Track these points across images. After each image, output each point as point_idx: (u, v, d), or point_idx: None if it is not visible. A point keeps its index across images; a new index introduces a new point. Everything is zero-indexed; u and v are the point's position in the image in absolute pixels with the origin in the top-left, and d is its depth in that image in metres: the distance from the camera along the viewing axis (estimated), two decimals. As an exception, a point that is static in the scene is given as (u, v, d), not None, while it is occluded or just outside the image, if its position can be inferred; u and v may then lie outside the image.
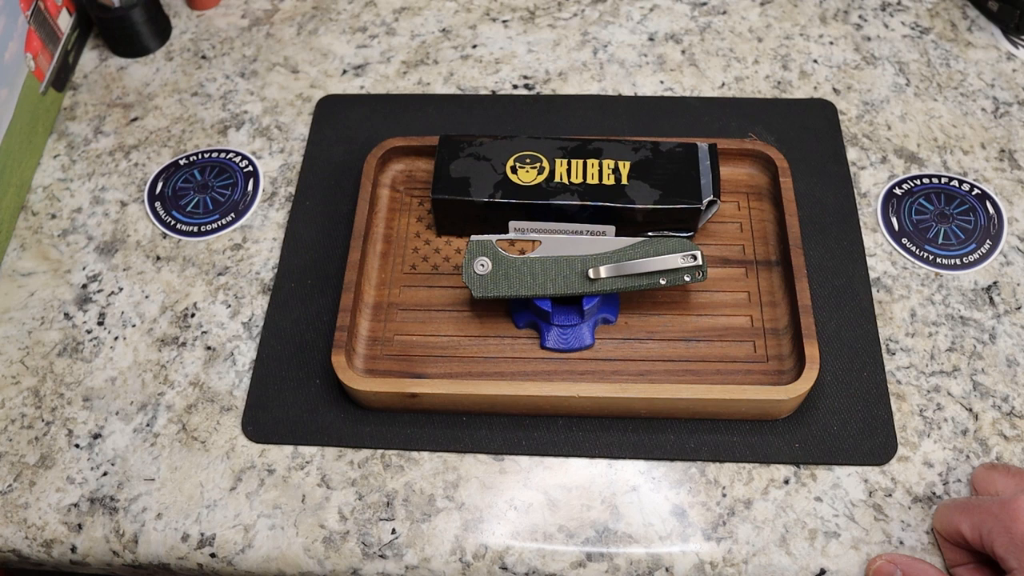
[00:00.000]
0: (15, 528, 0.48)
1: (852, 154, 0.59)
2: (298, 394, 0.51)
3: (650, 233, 0.52)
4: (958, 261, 0.54)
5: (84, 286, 0.56)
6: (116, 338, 0.54)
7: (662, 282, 0.49)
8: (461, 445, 0.49)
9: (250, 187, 0.60)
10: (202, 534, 0.47)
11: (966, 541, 0.42)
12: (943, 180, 0.57)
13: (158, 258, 0.57)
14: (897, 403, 0.50)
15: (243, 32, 0.68)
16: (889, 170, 0.58)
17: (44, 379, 0.53)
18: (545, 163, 0.53)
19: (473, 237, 0.50)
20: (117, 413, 0.51)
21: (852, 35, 0.66)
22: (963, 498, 0.45)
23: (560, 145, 0.54)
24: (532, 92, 0.63)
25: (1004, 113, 0.61)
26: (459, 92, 0.64)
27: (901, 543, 0.45)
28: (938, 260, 0.54)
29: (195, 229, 0.58)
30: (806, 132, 0.60)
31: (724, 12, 0.68)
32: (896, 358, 0.51)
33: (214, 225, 0.58)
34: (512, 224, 0.53)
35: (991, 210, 0.56)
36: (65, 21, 0.66)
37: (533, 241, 0.50)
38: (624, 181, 0.52)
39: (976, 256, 0.54)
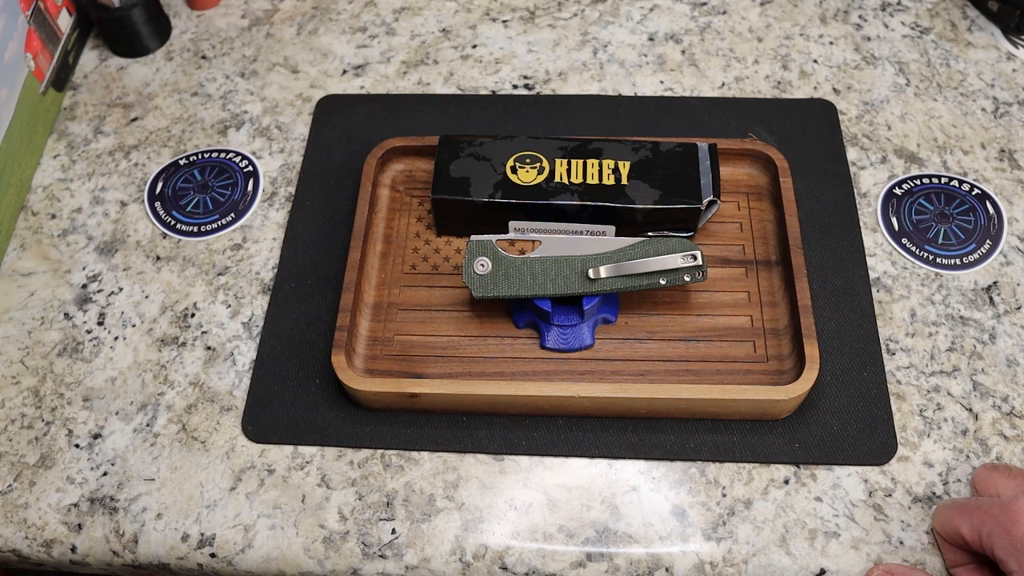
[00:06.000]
0: (15, 528, 0.48)
1: (852, 154, 0.59)
2: (298, 394, 0.51)
3: (650, 233, 0.52)
4: (958, 261, 0.54)
5: (84, 286, 0.56)
6: (116, 338, 0.54)
7: (662, 282, 0.49)
8: (461, 445, 0.49)
9: (250, 187, 0.60)
10: (202, 534, 0.47)
11: (966, 542, 0.42)
12: (943, 180, 0.57)
13: (158, 258, 0.57)
14: (897, 403, 0.50)
15: (243, 32, 0.68)
16: (889, 170, 0.58)
17: (44, 379, 0.53)
18: (545, 163, 0.53)
19: (473, 237, 0.50)
20: (117, 413, 0.51)
21: (852, 35, 0.66)
22: (963, 499, 0.45)
23: (560, 145, 0.54)
24: (532, 92, 0.63)
25: (1004, 113, 0.61)
26: (459, 92, 0.64)
27: (901, 543, 0.45)
28: (938, 260, 0.54)
29: (195, 229, 0.58)
30: (806, 132, 0.60)
31: (724, 12, 0.68)
32: (896, 358, 0.51)
33: (214, 225, 0.58)
34: (512, 224, 0.53)
35: (991, 210, 0.56)
36: (65, 21, 0.66)
37: (533, 241, 0.50)
38: (624, 181, 0.52)
39: (976, 256, 0.54)
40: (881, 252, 0.55)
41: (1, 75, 0.57)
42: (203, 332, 0.54)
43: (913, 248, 0.55)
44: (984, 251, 0.54)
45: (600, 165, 0.53)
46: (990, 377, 0.50)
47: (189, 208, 0.59)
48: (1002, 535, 0.39)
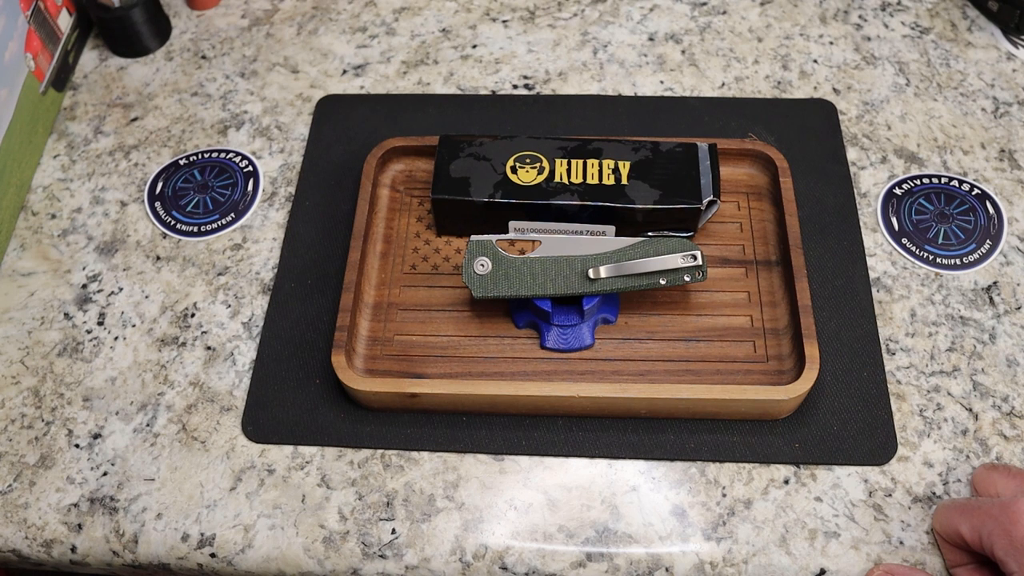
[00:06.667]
0: (15, 528, 0.48)
1: (852, 154, 0.59)
2: (298, 394, 0.51)
3: (650, 233, 0.52)
4: (958, 261, 0.54)
5: (84, 286, 0.56)
6: (116, 338, 0.54)
7: (662, 282, 0.49)
8: (461, 445, 0.49)
9: (250, 187, 0.60)
10: (202, 534, 0.47)
11: (966, 543, 0.42)
12: (943, 180, 0.57)
13: (158, 258, 0.57)
14: (897, 403, 0.50)
15: (243, 32, 0.68)
16: (889, 170, 0.58)
17: (44, 379, 0.53)
18: (545, 163, 0.53)
19: (473, 237, 0.50)
20: (117, 413, 0.51)
21: (852, 35, 0.66)
22: (963, 499, 0.45)
23: (560, 145, 0.54)
24: (532, 92, 0.63)
25: (1004, 113, 0.61)
26: (459, 92, 0.64)
27: (901, 543, 0.45)
28: (938, 260, 0.54)
29: (195, 229, 0.58)
30: (806, 132, 0.60)
31: (724, 12, 0.68)
32: (896, 358, 0.51)
33: (214, 225, 0.58)
34: (512, 224, 0.53)
35: (991, 210, 0.56)
36: (65, 21, 0.66)
37: (533, 241, 0.50)
38: (624, 181, 0.52)
39: (976, 256, 0.54)
40: (881, 252, 0.55)
41: (1, 75, 0.57)
42: (203, 332, 0.54)
43: (913, 248, 0.55)
44: (984, 251, 0.54)
45: (600, 165, 0.53)
46: (990, 377, 0.50)
47: (189, 208, 0.59)
48: (1002, 536, 0.39)
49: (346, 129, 0.62)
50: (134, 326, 0.54)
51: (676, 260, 0.49)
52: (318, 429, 0.50)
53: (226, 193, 0.59)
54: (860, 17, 0.67)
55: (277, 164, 0.61)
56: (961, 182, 0.57)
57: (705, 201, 0.51)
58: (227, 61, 0.67)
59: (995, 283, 0.54)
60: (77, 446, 0.50)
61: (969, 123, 0.60)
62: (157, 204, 0.59)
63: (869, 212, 0.57)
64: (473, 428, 0.49)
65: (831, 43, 0.65)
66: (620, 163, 0.53)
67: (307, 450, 0.49)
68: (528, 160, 0.53)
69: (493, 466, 0.49)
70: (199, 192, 0.59)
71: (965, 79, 0.63)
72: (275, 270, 0.56)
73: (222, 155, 0.61)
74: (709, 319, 0.52)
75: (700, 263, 0.49)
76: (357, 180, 0.58)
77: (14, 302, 0.56)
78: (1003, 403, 0.49)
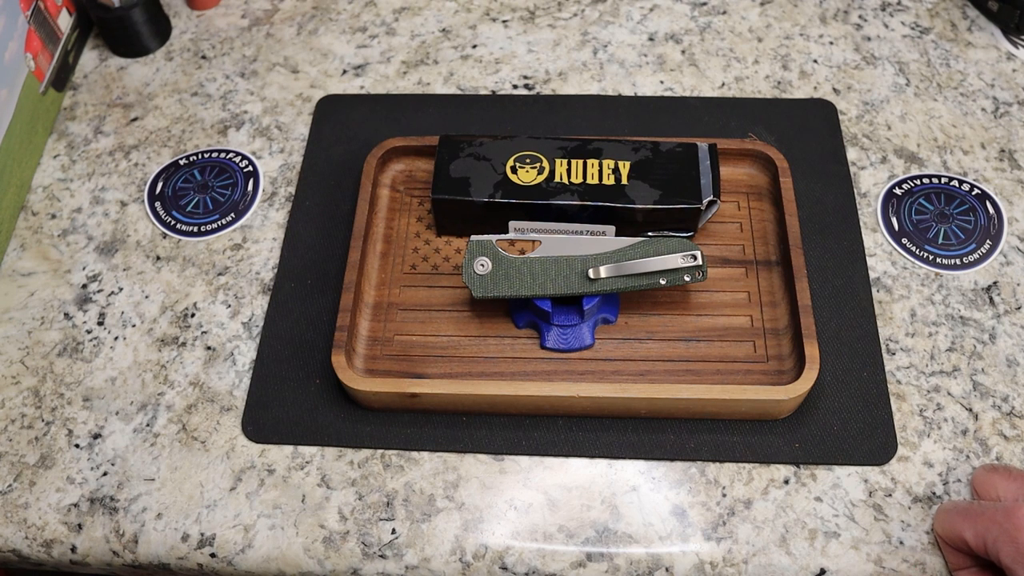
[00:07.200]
0: (15, 528, 0.48)
1: (852, 154, 0.59)
2: (298, 394, 0.51)
3: (650, 233, 0.52)
4: (958, 261, 0.54)
5: (84, 286, 0.56)
6: (116, 338, 0.54)
7: (662, 282, 0.49)
8: (461, 445, 0.49)
9: (250, 187, 0.60)
10: (202, 534, 0.47)
11: (969, 547, 0.42)
12: (943, 180, 0.57)
13: (158, 258, 0.57)
14: (897, 403, 0.50)
15: (243, 32, 0.68)
16: (889, 170, 0.58)
17: (44, 379, 0.53)
18: (545, 163, 0.53)
19: (473, 237, 0.50)
20: (117, 413, 0.51)
21: (852, 35, 0.66)
22: (964, 502, 0.45)
23: (560, 145, 0.54)
24: (532, 92, 0.63)
25: (1004, 113, 0.61)
26: (459, 92, 0.64)
27: (901, 543, 0.45)
28: (938, 260, 0.54)
29: (195, 229, 0.58)
30: (806, 132, 0.60)
31: (724, 12, 0.68)
32: (896, 358, 0.51)
33: (214, 225, 0.58)
34: (512, 224, 0.53)
35: (991, 210, 0.56)
36: (65, 21, 0.66)
37: (533, 241, 0.50)
38: (624, 181, 0.52)
39: (976, 256, 0.54)
40: (881, 252, 0.55)
41: (1, 75, 0.57)
42: (203, 332, 0.54)
43: (913, 248, 0.55)
44: (984, 251, 0.54)
45: (600, 165, 0.53)
46: (990, 377, 0.50)
47: (189, 208, 0.59)
48: (1007, 542, 0.39)
49: (346, 129, 0.62)
50: (134, 326, 0.54)
51: (676, 260, 0.49)
52: (318, 429, 0.50)
53: (226, 193, 0.59)
54: (860, 17, 0.67)
55: (277, 164, 0.61)
56: (961, 182, 0.57)
57: (705, 201, 0.51)
58: (227, 61, 0.67)
59: (995, 283, 0.54)
60: (77, 446, 0.50)
61: (969, 123, 0.60)
62: (157, 204, 0.59)
63: (869, 212, 0.57)
64: (473, 428, 0.49)
65: (831, 43, 0.65)
66: (620, 163, 0.53)
67: (307, 450, 0.49)
68: (528, 160, 0.53)
69: (493, 466, 0.49)
70: (199, 192, 0.59)
71: (965, 79, 0.63)
72: (275, 270, 0.56)
73: (222, 155, 0.61)
74: (709, 319, 0.52)
75: (700, 263, 0.49)
76: (357, 180, 0.58)
77: (14, 302, 0.56)
78: (1003, 403, 0.49)
